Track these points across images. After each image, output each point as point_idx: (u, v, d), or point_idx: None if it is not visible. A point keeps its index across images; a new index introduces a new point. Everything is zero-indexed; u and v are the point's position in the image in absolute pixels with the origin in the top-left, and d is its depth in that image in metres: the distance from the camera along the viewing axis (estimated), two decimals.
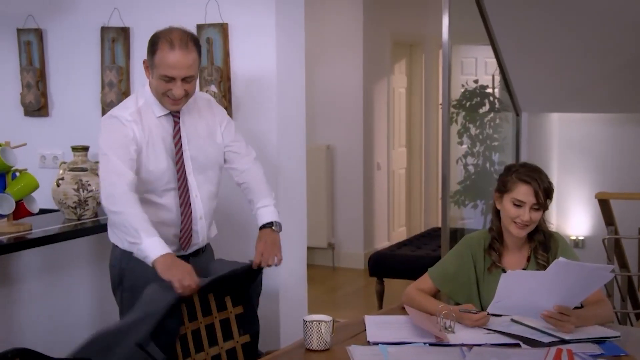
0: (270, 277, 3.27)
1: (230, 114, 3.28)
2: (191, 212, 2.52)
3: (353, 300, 5.98)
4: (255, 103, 3.27)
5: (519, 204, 2.39)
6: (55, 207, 3.17)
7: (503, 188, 2.43)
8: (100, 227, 3.12)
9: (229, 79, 3.26)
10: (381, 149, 7.19)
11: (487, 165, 6.30)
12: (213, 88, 3.25)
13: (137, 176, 2.41)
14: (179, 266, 2.28)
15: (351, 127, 6.83)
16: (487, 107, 6.36)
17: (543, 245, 2.46)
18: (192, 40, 2.41)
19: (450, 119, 6.05)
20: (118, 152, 2.37)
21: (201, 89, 3.29)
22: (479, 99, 6.34)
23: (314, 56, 6.65)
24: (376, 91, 7.06)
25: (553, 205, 6.84)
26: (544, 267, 2.37)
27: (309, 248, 6.79)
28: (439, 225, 5.13)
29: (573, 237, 6.94)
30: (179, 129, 2.49)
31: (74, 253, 3.14)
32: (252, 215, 2.66)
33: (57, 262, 3.06)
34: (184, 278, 2.24)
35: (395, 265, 5.28)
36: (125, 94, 3.43)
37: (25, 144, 2.86)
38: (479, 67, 7.56)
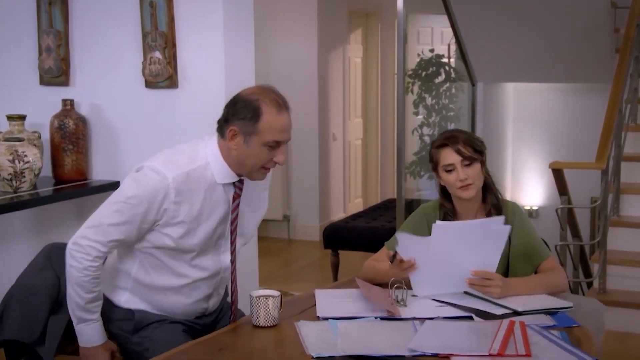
0: None
1: (175, 82, 3.15)
2: (236, 290, 2.37)
3: (308, 273, 5.92)
4: (202, 71, 3.13)
5: (450, 169, 2.38)
6: None
7: (433, 163, 2.44)
8: (38, 200, 2.97)
9: (174, 45, 3.12)
10: (337, 120, 7.10)
11: None
12: (157, 54, 3.10)
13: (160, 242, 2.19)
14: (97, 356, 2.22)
15: (306, 98, 6.72)
16: (442, 76, 6.32)
17: (497, 208, 2.44)
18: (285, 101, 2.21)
19: (406, 89, 6.02)
20: (136, 214, 2.12)
21: (145, 56, 3.14)
22: (434, 68, 6.30)
23: (267, 25, 6.51)
24: (331, 61, 6.94)
25: (508, 175, 6.90)
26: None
27: (263, 220, 6.75)
28: (395, 196, 5.09)
29: (527, 207, 7.00)
30: (238, 205, 2.24)
31: (11, 228, 2.99)
32: None
33: None
34: None
35: (350, 237, 5.22)
36: (64, 59, 3.26)
37: None
38: (435, 37, 7.52)
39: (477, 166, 2.38)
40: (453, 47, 6.32)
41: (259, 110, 2.10)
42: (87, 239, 2.11)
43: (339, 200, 7.20)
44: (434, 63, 6.29)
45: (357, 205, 7.41)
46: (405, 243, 2.29)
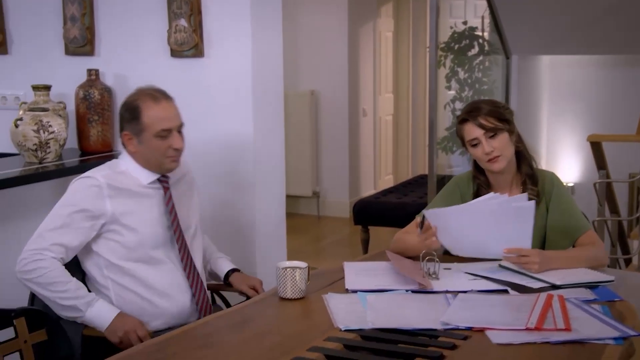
0: (246, 226, 3.11)
1: (201, 51, 3.07)
2: (200, 279, 2.36)
3: (338, 249, 5.86)
4: (228, 40, 3.05)
5: (475, 143, 2.30)
6: (16, 152, 2.98)
7: (460, 138, 2.37)
8: (64, 171, 2.93)
9: (200, 12, 3.04)
10: (367, 95, 6.98)
11: None
12: (183, 22, 3.03)
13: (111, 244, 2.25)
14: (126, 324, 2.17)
15: (336, 73, 6.62)
16: (476, 49, 6.15)
17: (531, 177, 2.35)
18: (164, 92, 2.35)
19: (438, 63, 5.87)
20: (73, 215, 2.19)
21: (170, 24, 3.07)
22: (467, 41, 6.13)
23: None
24: (362, 35, 6.82)
25: (543, 151, 6.73)
26: (536, 202, 2.27)
27: (293, 197, 6.74)
28: (427, 172, 4.98)
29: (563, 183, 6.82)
30: (171, 196, 2.34)
31: (37, 198, 2.95)
32: (209, 262, 2.56)
33: (16, 208, 2.87)
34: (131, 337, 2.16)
35: (380, 212, 5.14)
36: (89, 29, 3.20)
37: None
38: (468, 10, 7.32)
39: (503, 136, 2.28)
40: (487, 20, 6.14)
41: (138, 109, 2.25)
42: (29, 251, 2.16)
43: (369, 176, 7.11)
44: (467, 36, 6.12)
45: (387, 182, 7.31)
46: (434, 219, 2.22)
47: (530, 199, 2.26)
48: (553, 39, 5.96)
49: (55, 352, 1.87)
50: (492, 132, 2.27)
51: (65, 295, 2.14)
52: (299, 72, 6.63)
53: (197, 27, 3.03)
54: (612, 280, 2.09)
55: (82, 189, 2.23)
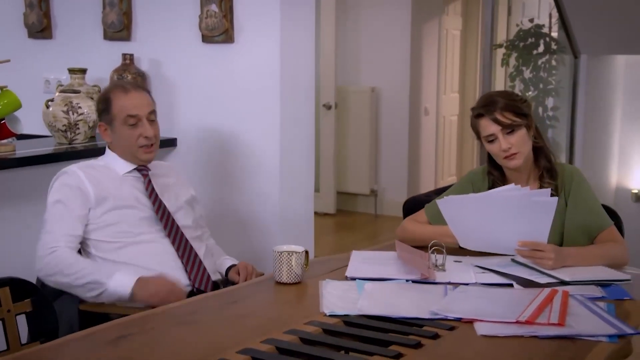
0: (268, 218, 3.08)
1: (231, 36, 3.06)
2: (196, 259, 2.35)
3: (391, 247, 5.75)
4: (257, 26, 3.03)
5: (491, 139, 2.18)
6: (49, 134, 3.05)
7: (475, 132, 2.25)
8: (95, 151, 2.98)
9: None
10: (430, 94, 6.84)
11: (540, 110, 5.88)
12: (214, 7, 3.03)
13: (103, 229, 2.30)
14: (156, 286, 2.17)
15: (397, 70, 6.51)
16: (542, 48, 5.92)
17: (550, 171, 2.22)
18: (139, 84, 2.48)
19: (502, 61, 5.69)
20: (65, 206, 2.27)
21: (202, 9, 3.08)
22: (533, 39, 5.90)
23: None
24: (425, 32, 6.68)
25: (614, 156, 6.41)
26: (554, 195, 2.15)
27: (351, 194, 6.67)
28: None
29: (635, 191, 6.48)
30: (150, 181, 2.40)
31: None
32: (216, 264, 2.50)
33: (46, 186, 2.94)
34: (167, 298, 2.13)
35: None
36: (126, 14, 3.25)
37: (9, 60, 2.72)
38: (542, 8, 7.07)
39: (521, 132, 2.16)
40: (555, 17, 5.90)
41: (109, 100, 2.37)
42: (43, 248, 2.22)
43: (430, 176, 6.96)
44: (533, 33, 5.90)
45: (450, 183, 7.13)
46: (447, 207, 2.15)
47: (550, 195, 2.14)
48: (629, 36, 5.65)
49: (41, 324, 1.88)
50: (509, 129, 2.15)
51: (84, 272, 2.17)
52: (360, 69, 6.56)
53: (228, 13, 3.03)
54: (629, 280, 1.94)
55: (63, 181, 2.31)
